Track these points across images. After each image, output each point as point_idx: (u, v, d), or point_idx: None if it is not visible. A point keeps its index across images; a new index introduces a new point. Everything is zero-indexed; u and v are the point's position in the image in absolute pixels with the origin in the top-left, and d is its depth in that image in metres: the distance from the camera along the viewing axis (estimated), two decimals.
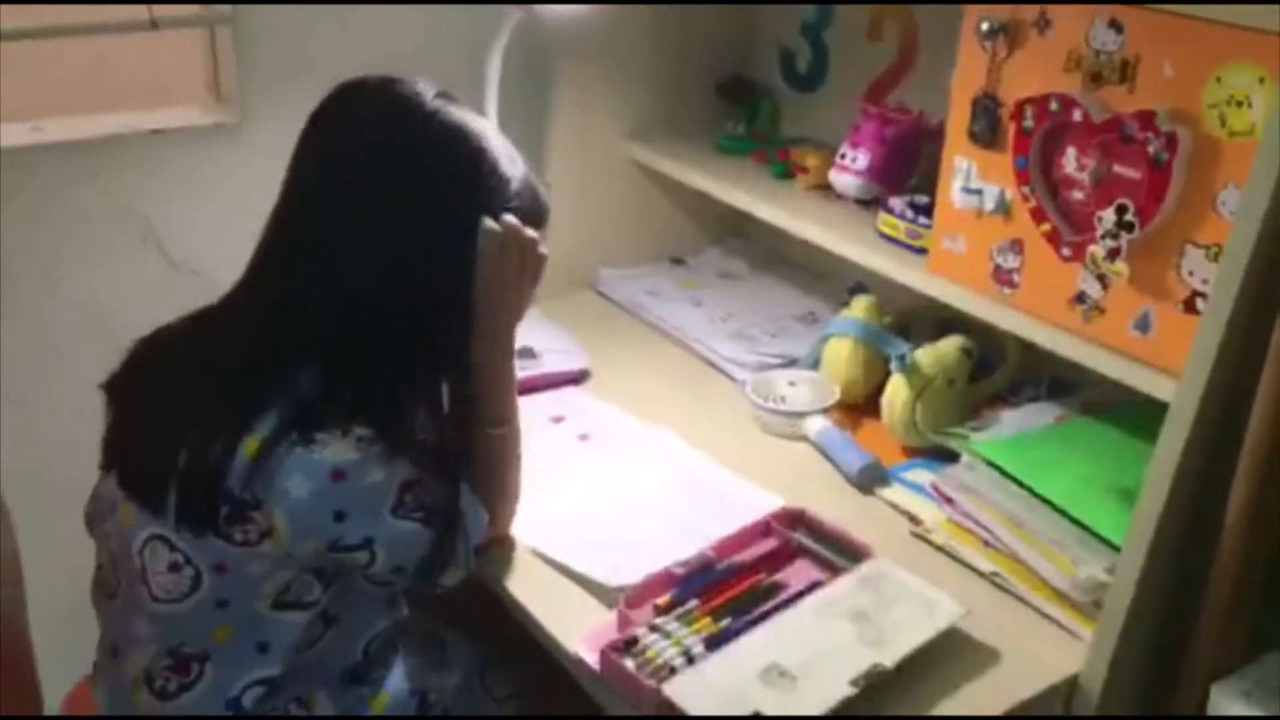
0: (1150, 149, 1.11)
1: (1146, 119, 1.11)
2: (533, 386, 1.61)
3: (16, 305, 1.58)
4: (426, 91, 1.13)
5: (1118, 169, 1.16)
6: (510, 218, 1.15)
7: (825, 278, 1.86)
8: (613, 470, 1.44)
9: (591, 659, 1.13)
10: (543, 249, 1.19)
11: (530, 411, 1.55)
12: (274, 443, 1.02)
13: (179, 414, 1.07)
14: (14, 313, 1.58)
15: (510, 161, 1.16)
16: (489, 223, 1.13)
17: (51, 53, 1.70)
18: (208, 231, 1.65)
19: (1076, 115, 1.17)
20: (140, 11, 1.54)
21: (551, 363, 1.65)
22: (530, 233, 1.17)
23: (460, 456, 1.19)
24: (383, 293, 1.09)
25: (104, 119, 1.62)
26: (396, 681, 1.22)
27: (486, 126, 1.16)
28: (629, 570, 1.22)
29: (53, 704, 1.23)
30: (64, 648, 1.25)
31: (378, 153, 1.09)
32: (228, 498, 1.03)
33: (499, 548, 1.29)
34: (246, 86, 1.62)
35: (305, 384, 1.06)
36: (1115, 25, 1.13)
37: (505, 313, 1.19)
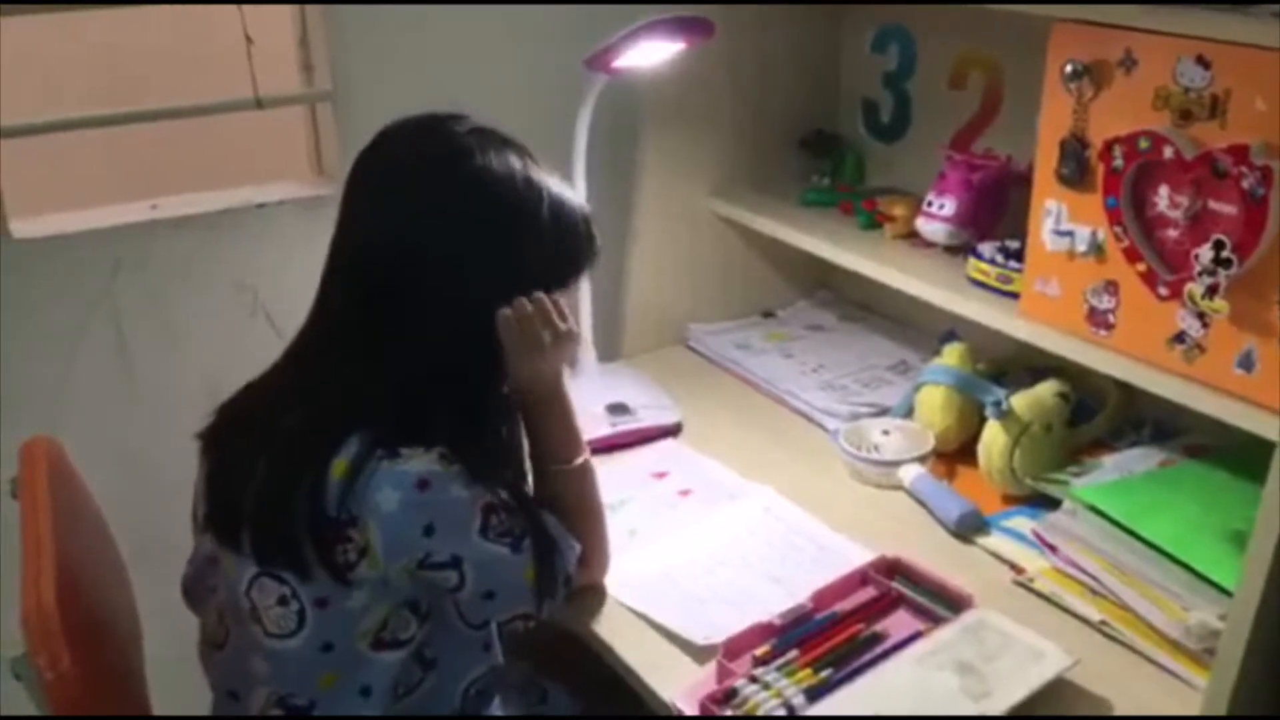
0: (1245, 184, 1.09)
1: (1240, 153, 1.09)
2: (628, 442, 1.63)
3: (136, 375, 1.65)
4: (460, 133, 1.15)
5: (1213, 205, 1.14)
6: (521, 301, 1.16)
7: (916, 326, 1.85)
8: (713, 526, 1.44)
9: (691, 710, 1.13)
10: (567, 314, 1.20)
11: (633, 467, 1.58)
12: (362, 460, 1.07)
13: (260, 454, 1.11)
14: (134, 382, 1.65)
15: (539, 204, 1.15)
16: (503, 312, 1.15)
17: (165, 134, 1.79)
18: (311, 302, 1.71)
19: (1167, 153, 1.15)
20: (246, 91, 1.62)
21: (646, 417, 1.67)
22: (547, 306, 1.17)
23: (534, 492, 1.23)
24: (419, 336, 1.13)
25: (214, 195, 1.70)
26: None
27: (518, 170, 1.15)
28: (722, 628, 1.22)
29: None
30: (175, 704, 1.29)
31: (403, 198, 1.14)
32: (324, 521, 1.07)
33: (596, 597, 1.31)
34: (346, 160, 1.68)
35: (381, 415, 1.10)
36: (1203, 61, 1.12)
37: (541, 371, 1.21)
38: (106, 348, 1.63)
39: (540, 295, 1.17)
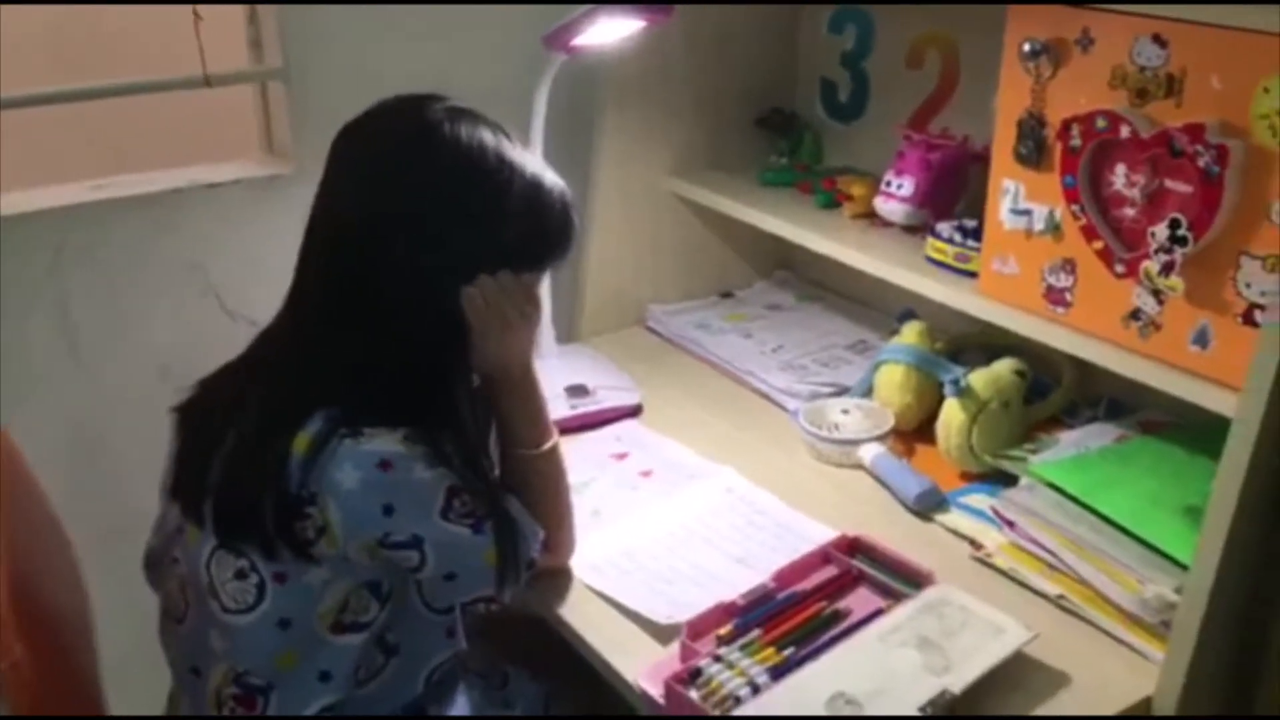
0: (1201, 162, 1.10)
1: (1196, 132, 1.10)
2: (589, 423, 1.62)
3: (84, 357, 1.62)
4: (432, 109, 1.13)
5: (1169, 184, 1.15)
6: (488, 280, 1.14)
7: (874, 306, 1.85)
8: (675, 506, 1.44)
9: (655, 691, 1.13)
10: (538, 292, 1.19)
11: (594, 449, 1.57)
12: (325, 437, 1.06)
13: (229, 428, 1.11)
14: (83, 367, 1.62)
15: (511, 183, 1.13)
16: (468, 290, 1.13)
17: (111, 112, 1.75)
18: (262, 282, 1.68)
19: (1124, 131, 1.16)
20: (195, 69, 1.58)
21: (606, 399, 1.66)
22: (515, 287, 1.16)
23: (500, 475, 1.22)
24: (386, 313, 1.12)
25: (162, 175, 1.66)
26: (459, 715, 1.22)
27: (490, 147, 1.13)
28: (686, 607, 1.22)
29: None
30: (132, 690, 1.27)
31: (370, 173, 1.13)
32: (285, 496, 1.06)
33: (560, 580, 1.30)
34: (298, 138, 1.66)
35: (348, 393, 1.10)
36: (1159, 40, 1.13)
37: (508, 353, 1.20)
38: (53, 333, 1.60)
39: (509, 275, 1.15)
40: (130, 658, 1.30)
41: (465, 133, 1.12)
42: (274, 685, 1.12)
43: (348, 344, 1.12)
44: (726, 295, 1.98)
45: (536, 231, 1.17)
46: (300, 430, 1.07)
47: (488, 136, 1.13)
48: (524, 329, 1.18)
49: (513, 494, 1.20)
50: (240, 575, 1.10)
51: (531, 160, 1.17)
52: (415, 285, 1.12)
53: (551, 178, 1.18)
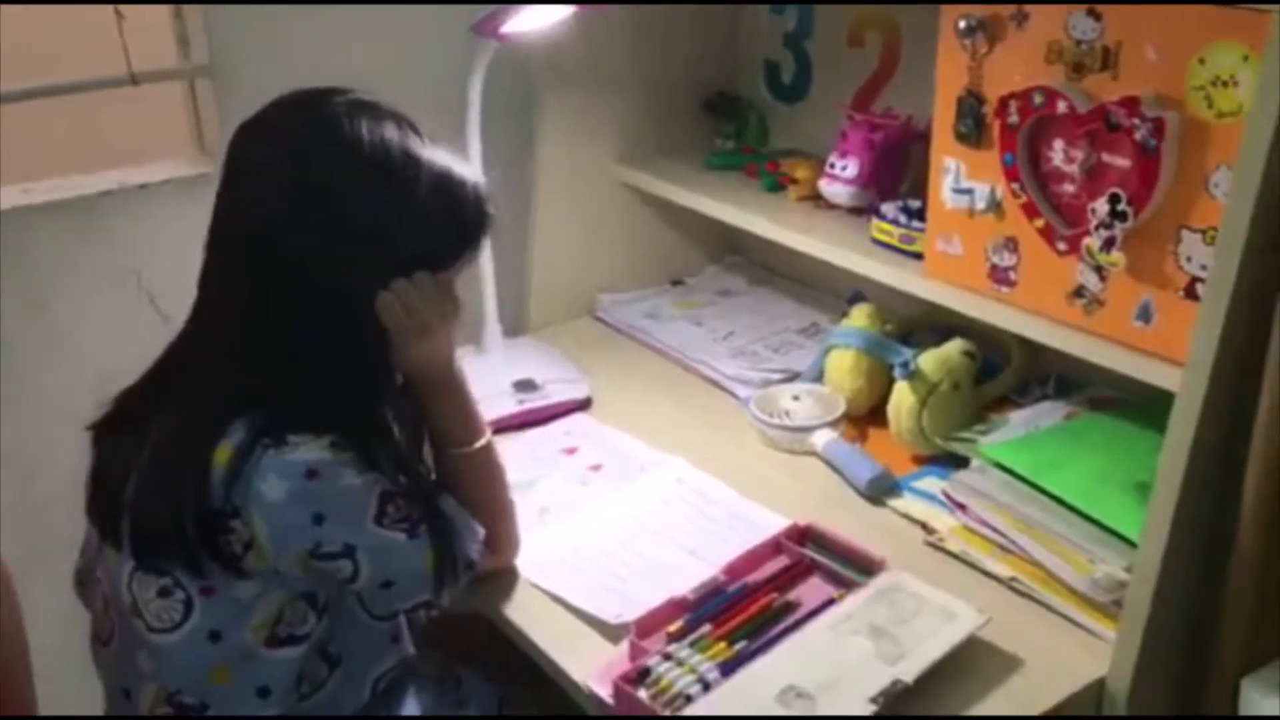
0: (1138, 136, 1.09)
1: (1132, 105, 1.09)
2: (538, 419, 1.60)
3: (14, 364, 1.57)
4: (333, 105, 1.08)
5: (1107, 158, 1.14)
6: (404, 285, 1.10)
7: (825, 289, 1.84)
8: (625, 500, 1.42)
9: (604, 692, 1.11)
10: (455, 294, 1.15)
11: (543, 444, 1.55)
12: (247, 449, 1.03)
13: (143, 445, 1.07)
14: (11, 372, 1.58)
15: (418, 180, 1.09)
16: (384, 296, 1.09)
17: (37, 114, 1.70)
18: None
19: (1061, 107, 1.15)
20: (119, 67, 1.54)
21: (555, 393, 1.64)
22: (431, 287, 1.11)
23: (433, 475, 1.20)
24: (299, 319, 1.08)
25: (91, 177, 1.62)
26: (410, 716, 1.20)
27: (394, 142, 1.08)
28: (637, 605, 1.20)
29: None
30: (71, 713, 1.24)
31: (270, 175, 1.08)
32: (208, 512, 1.03)
33: (507, 580, 1.28)
34: (228, 136, 1.61)
35: (268, 401, 1.06)
36: (1093, 13, 1.12)
37: (431, 355, 1.16)
38: None
39: (424, 275, 1.11)
40: (66, 679, 1.26)
41: (368, 129, 1.07)
42: (208, 703, 1.09)
43: (261, 352, 1.08)
44: (677, 283, 1.95)
45: (450, 228, 1.13)
46: (220, 441, 1.03)
47: (392, 132, 1.08)
48: (443, 330, 1.15)
49: (449, 494, 1.17)
50: (164, 593, 1.07)
51: (440, 153, 1.12)
52: (326, 294, 1.08)
53: (461, 169, 1.14)
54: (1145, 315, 1.15)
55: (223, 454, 1.03)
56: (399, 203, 1.08)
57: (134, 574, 1.08)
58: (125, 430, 1.12)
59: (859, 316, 1.58)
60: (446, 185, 1.11)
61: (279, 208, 1.07)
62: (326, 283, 1.08)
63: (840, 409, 1.52)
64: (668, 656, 1.12)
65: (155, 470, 1.06)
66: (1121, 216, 1.12)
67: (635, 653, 1.14)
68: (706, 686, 1.08)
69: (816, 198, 1.61)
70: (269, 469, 1.03)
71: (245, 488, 1.03)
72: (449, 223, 1.13)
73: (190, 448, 1.04)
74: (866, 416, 1.56)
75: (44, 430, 1.61)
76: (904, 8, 1.60)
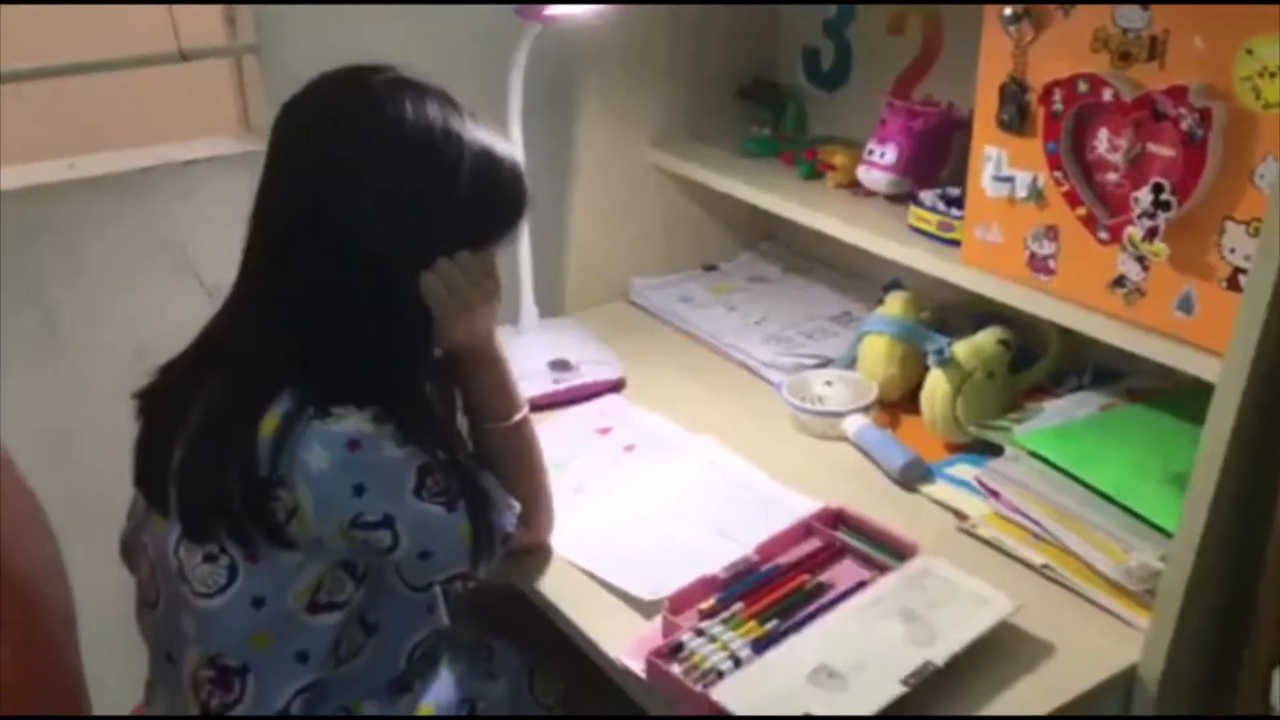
0: (1184, 125, 1.09)
1: (1179, 95, 1.09)
2: (571, 398, 1.61)
3: (59, 337, 1.60)
4: (375, 84, 1.09)
5: (1152, 148, 1.14)
6: (447, 264, 1.11)
7: (859, 276, 1.84)
8: (657, 480, 1.43)
9: (637, 666, 1.12)
10: (496, 271, 1.16)
11: (578, 424, 1.56)
12: (292, 419, 1.04)
13: (191, 415, 1.09)
14: (56, 344, 1.60)
15: (461, 160, 1.09)
16: (427, 276, 1.11)
17: (83, 89, 1.72)
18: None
19: (1107, 95, 1.15)
20: (169, 44, 1.56)
21: (589, 374, 1.65)
22: (473, 265, 1.13)
23: (471, 451, 1.21)
24: (341, 294, 1.09)
25: (137, 153, 1.64)
26: (443, 691, 1.22)
27: (436, 121, 1.09)
28: (668, 582, 1.20)
29: None
30: (113, 679, 1.26)
31: (315, 153, 1.10)
32: (254, 480, 1.05)
33: (542, 556, 1.29)
34: (274, 114, 1.63)
35: (313, 374, 1.08)
36: (1141, 2, 1.11)
37: (473, 329, 1.18)
38: (29, 314, 1.58)
39: (466, 255, 1.13)
40: (112, 645, 1.29)
41: (411, 107, 1.08)
42: (249, 667, 1.11)
43: (305, 327, 1.10)
44: (710, 268, 1.96)
45: (490, 206, 1.15)
46: (266, 412, 1.05)
47: (434, 109, 1.09)
48: (485, 307, 1.16)
49: (486, 469, 1.19)
50: (209, 559, 1.09)
51: (481, 131, 1.12)
52: (368, 270, 1.09)
53: (502, 146, 1.15)
54: (1187, 305, 1.14)
55: (269, 424, 1.05)
56: (441, 180, 1.09)
57: (180, 540, 1.10)
58: (171, 401, 1.14)
59: (894, 304, 1.58)
60: (488, 164, 1.12)
61: (322, 185, 1.08)
62: (369, 259, 1.09)
63: (873, 395, 1.53)
64: (700, 633, 1.13)
65: (203, 440, 1.08)
66: (1165, 206, 1.12)
67: (668, 628, 1.15)
68: (738, 663, 1.09)
69: (854, 185, 1.62)
70: (313, 439, 1.04)
71: (291, 457, 1.04)
72: (489, 201, 1.14)
73: (238, 418, 1.06)
74: (899, 403, 1.56)
75: (86, 399, 1.63)
76: None
